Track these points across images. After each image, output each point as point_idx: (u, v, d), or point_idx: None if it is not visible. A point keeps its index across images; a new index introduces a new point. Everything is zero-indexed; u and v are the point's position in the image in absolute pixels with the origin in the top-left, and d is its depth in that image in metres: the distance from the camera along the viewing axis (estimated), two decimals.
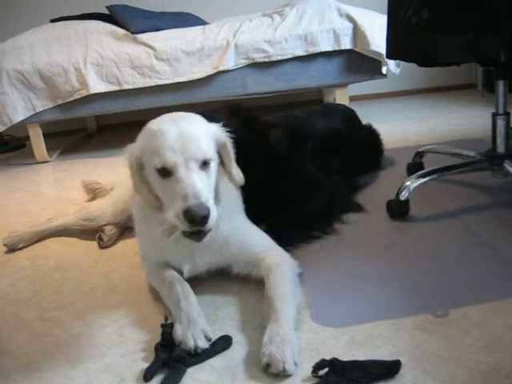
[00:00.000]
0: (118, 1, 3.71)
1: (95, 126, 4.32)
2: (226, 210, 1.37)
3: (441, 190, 1.98)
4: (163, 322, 1.23)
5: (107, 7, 3.54)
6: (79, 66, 3.18)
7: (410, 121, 3.32)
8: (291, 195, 1.66)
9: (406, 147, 2.57)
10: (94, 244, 1.87)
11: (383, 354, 1.09)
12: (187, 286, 1.36)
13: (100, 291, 1.54)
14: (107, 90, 3.21)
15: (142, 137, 1.30)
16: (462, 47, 1.61)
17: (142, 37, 3.24)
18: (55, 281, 1.65)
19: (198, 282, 1.44)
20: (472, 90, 4.12)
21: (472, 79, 4.22)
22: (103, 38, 3.27)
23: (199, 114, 1.36)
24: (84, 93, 3.19)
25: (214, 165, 1.27)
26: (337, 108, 2.42)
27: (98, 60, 3.19)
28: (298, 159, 1.77)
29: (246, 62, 3.19)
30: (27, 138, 3.51)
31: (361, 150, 2.17)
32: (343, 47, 3.19)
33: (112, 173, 2.81)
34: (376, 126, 2.36)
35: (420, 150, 2.17)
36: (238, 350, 1.17)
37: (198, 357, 1.14)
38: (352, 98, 3.62)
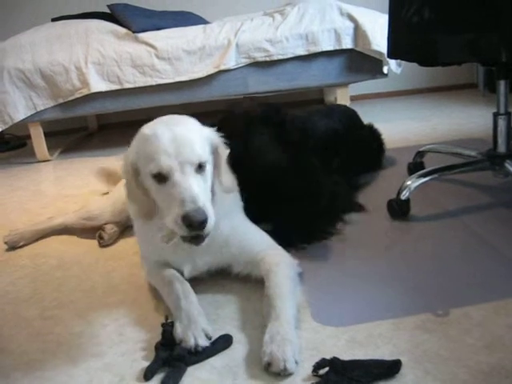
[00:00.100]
0: (119, 0, 3.71)
1: (96, 125, 4.32)
2: (225, 209, 1.37)
3: (442, 190, 1.98)
4: (164, 321, 1.23)
5: (108, 6, 3.54)
6: (80, 64, 3.18)
7: (410, 120, 3.31)
8: (292, 195, 1.66)
9: (407, 147, 2.57)
10: (95, 242, 1.87)
11: (384, 353, 1.09)
12: (187, 284, 1.36)
13: (100, 290, 1.54)
14: (108, 88, 3.21)
15: (136, 142, 1.29)
16: (463, 47, 1.61)
17: (143, 36, 3.25)
18: (56, 279, 1.65)
19: (199, 281, 1.44)
20: (473, 89, 4.12)
21: (473, 79, 4.21)
22: (104, 37, 3.27)
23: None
24: (85, 92, 3.20)
25: (209, 167, 1.27)
26: (338, 108, 2.42)
27: (99, 59, 3.19)
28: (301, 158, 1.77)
29: (247, 61, 3.19)
30: (28, 136, 3.51)
31: (362, 149, 2.17)
32: (344, 47, 3.19)
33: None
34: (377, 125, 2.36)
35: (421, 149, 2.17)
36: (239, 348, 1.17)
37: (198, 355, 1.14)
38: (353, 98, 3.62)
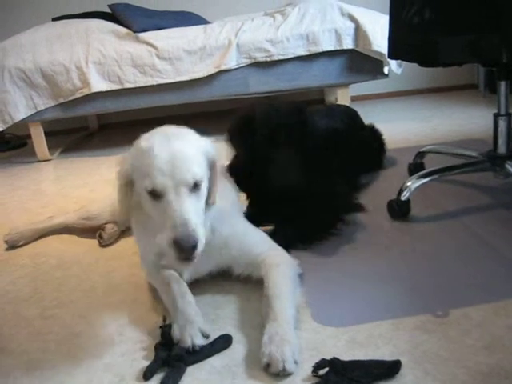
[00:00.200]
0: (120, 0, 3.71)
1: (97, 125, 4.32)
2: (224, 211, 1.37)
3: (442, 191, 1.98)
4: (162, 324, 1.22)
5: (109, 6, 3.54)
6: (81, 64, 3.18)
7: (411, 121, 3.31)
8: (292, 195, 1.66)
9: (408, 147, 2.57)
10: (95, 242, 1.87)
11: (383, 353, 1.09)
12: (184, 285, 1.36)
13: (101, 290, 1.54)
14: (109, 88, 3.21)
15: (132, 152, 1.28)
16: (464, 47, 1.61)
17: (143, 36, 3.25)
18: (56, 279, 1.65)
19: (200, 282, 1.44)
20: (474, 90, 4.12)
21: (474, 80, 4.21)
22: (105, 37, 3.27)
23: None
24: (86, 91, 3.20)
25: (204, 185, 1.25)
26: (339, 108, 2.42)
27: (100, 59, 3.19)
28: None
29: (248, 61, 3.19)
30: (29, 136, 3.51)
31: (363, 149, 2.17)
32: (345, 47, 3.18)
33: (114, 171, 2.80)
34: (377, 126, 2.36)
35: (421, 150, 2.17)
36: (238, 349, 1.17)
37: (196, 355, 1.14)
38: (353, 98, 3.61)
